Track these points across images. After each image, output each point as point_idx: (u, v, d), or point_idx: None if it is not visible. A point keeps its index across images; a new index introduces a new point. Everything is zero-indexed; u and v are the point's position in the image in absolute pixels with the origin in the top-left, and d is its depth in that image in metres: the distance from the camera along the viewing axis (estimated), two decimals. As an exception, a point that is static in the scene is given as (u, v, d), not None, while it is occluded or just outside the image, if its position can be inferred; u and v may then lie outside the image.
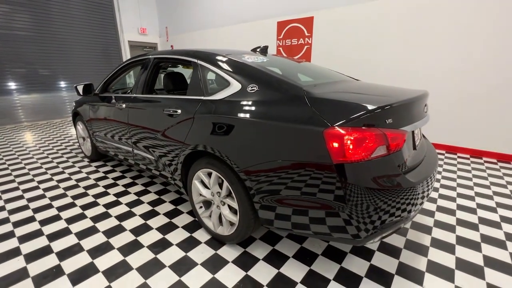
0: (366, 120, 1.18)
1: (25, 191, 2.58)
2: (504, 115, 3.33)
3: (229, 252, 1.70)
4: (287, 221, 1.40)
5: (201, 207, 1.89)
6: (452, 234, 1.88)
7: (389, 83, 3.99)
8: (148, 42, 7.96)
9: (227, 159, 1.50)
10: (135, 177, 2.90)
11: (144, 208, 2.25)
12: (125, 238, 1.84)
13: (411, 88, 1.69)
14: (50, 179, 2.86)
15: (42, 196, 2.47)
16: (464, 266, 1.58)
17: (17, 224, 2.02)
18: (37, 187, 2.66)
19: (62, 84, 6.51)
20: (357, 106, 1.23)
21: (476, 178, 2.85)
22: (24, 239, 1.84)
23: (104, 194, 2.52)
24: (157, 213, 2.16)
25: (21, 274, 1.51)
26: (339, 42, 4.49)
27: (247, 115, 1.44)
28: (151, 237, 1.85)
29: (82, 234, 1.89)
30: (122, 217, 2.10)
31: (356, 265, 1.59)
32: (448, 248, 1.74)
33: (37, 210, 2.22)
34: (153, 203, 2.33)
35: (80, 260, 1.63)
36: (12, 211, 2.20)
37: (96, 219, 2.08)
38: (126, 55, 7.45)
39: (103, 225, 1.99)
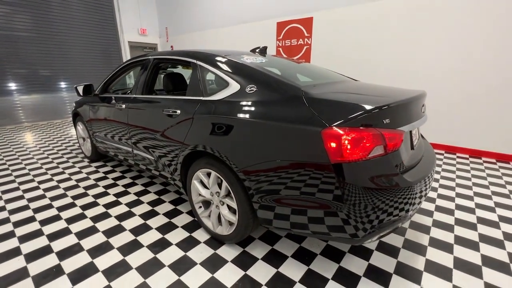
0: (364, 120, 1.19)
1: (25, 191, 2.59)
2: (503, 115, 3.33)
3: (228, 252, 1.71)
4: (286, 221, 1.41)
5: (200, 207, 1.90)
6: (451, 234, 1.89)
7: (389, 84, 4.00)
8: (148, 43, 7.98)
9: (226, 160, 1.51)
10: (135, 177, 2.91)
11: (144, 208, 2.26)
12: (124, 238, 1.85)
13: (409, 88, 1.70)
14: (50, 180, 2.87)
15: (42, 196, 2.48)
16: (462, 265, 1.59)
17: (17, 224, 2.03)
18: (37, 187, 2.67)
19: (63, 84, 6.53)
20: (355, 106, 1.23)
21: (475, 178, 2.85)
22: (24, 239, 1.85)
23: (104, 194, 2.53)
24: (156, 213, 2.17)
25: (21, 274, 1.52)
26: (339, 42, 4.50)
27: (246, 116, 1.45)
28: (151, 237, 1.86)
29: (82, 234, 1.89)
30: (122, 217, 2.11)
31: (355, 264, 1.60)
32: (446, 247, 1.75)
33: (37, 210, 2.23)
34: (153, 203, 2.34)
35: (80, 259, 1.64)
36: (12, 211, 2.21)
37: (96, 219, 2.09)
38: (126, 55, 7.46)
39: (103, 225, 2.00)
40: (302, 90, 1.37)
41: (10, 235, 1.89)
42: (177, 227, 1.98)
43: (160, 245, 1.77)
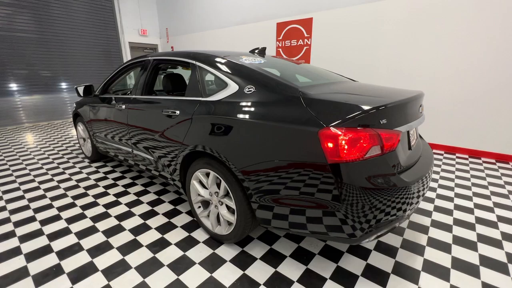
0: (361, 120, 1.20)
1: (26, 191, 2.61)
2: (503, 115, 3.33)
3: (227, 251, 1.71)
4: (284, 221, 1.42)
5: (199, 207, 1.91)
6: (449, 234, 1.90)
7: (389, 84, 4.02)
8: (148, 44, 8.00)
9: (226, 160, 1.52)
10: (135, 178, 2.92)
11: (144, 208, 2.27)
12: (124, 237, 1.86)
13: (407, 89, 1.71)
14: (51, 180, 2.88)
15: (43, 196, 2.49)
16: (460, 265, 1.60)
17: (18, 224, 2.04)
18: (38, 188, 2.69)
19: (63, 85, 6.55)
20: (352, 107, 1.24)
21: (474, 178, 2.86)
22: (24, 238, 1.86)
23: (104, 194, 2.54)
24: (156, 213, 2.18)
25: (22, 273, 1.54)
26: (339, 43, 4.51)
27: (244, 116, 1.46)
28: (150, 236, 1.87)
29: (82, 234, 1.91)
30: (121, 217, 2.12)
31: (353, 264, 1.60)
32: (444, 247, 1.75)
33: (37, 210, 2.24)
34: (153, 203, 2.35)
35: (80, 259, 1.65)
36: (13, 211, 2.22)
37: (96, 219, 2.11)
38: (127, 56, 7.49)
39: (102, 225, 2.02)
40: (300, 90, 1.38)
41: (10, 234, 1.90)
42: (177, 227, 1.99)
43: (159, 245, 1.78)
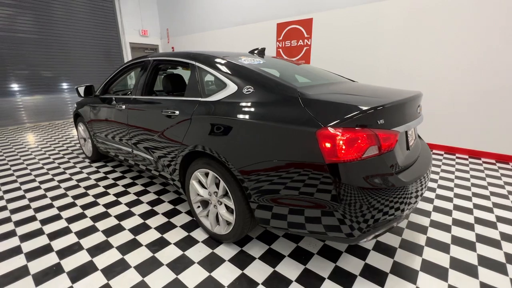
0: (358, 120, 1.20)
1: (26, 191, 2.62)
2: (503, 115, 3.33)
3: (226, 251, 1.72)
4: (283, 221, 1.42)
5: (198, 206, 1.91)
6: (448, 234, 1.90)
7: (389, 84, 4.02)
8: (149, 44, 8.02)
9: (224, 160, 1.53)
10: (135, 178, 2.93)
11: (143, 208, 2.28)
12: (124, 237, 1.87)
13: (405, 89, 1.71)
14: (51, 180, 2.90)
15: (43, 196, 2.50)
16: (458, 265, 1.60)
17: (18, 223, 2.05)
18: (38, 187, 2.70)
19: (64, 85, 6.58)
20: (350, 107, 1.25)
21: (474, 179, 2.86)
22: (25, 238, 1.87)
23: (104, 194, 2.55)
24: (156, 213, 2.19)
25: (22, 272, 1.55)
26: (338, 43, 4.52)
27: (243, 116, 1.47)
28: (150, 236, 1.88)
29: (82, 233, 1.92)
30: (121, 217, 2.13)
31: (351, 264, 1.61)
32: (443, 247, 1.76)
33: (38, 209, 2.26)
34: (152, 203, 2.36)
35: (80, 258, 1.66)
36: (13, 211, 2.24)
37: (96, 218, 2.12)
38: (128, 56, 7.51)
39: (102, 225, 2.03)
40: (298, 91, 1.39)
41: (11, 234, 1.92)
42: (176, 226, 2.00)
43: (158, 244, 1.79)
